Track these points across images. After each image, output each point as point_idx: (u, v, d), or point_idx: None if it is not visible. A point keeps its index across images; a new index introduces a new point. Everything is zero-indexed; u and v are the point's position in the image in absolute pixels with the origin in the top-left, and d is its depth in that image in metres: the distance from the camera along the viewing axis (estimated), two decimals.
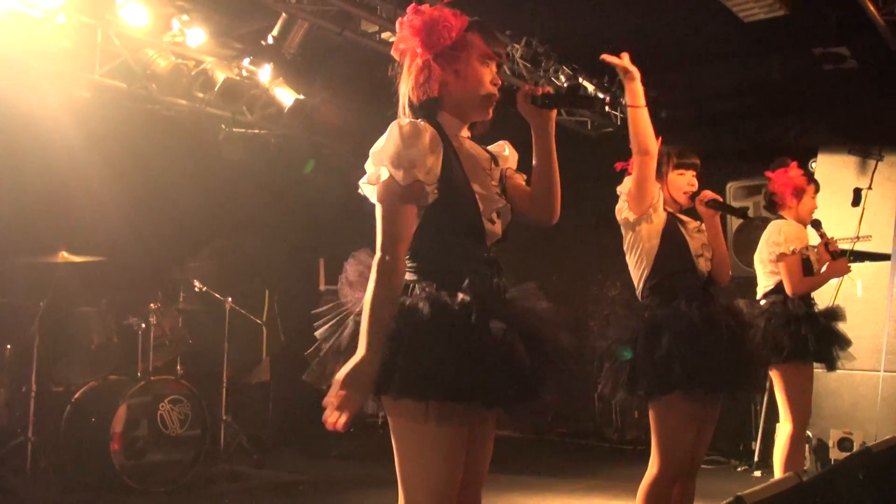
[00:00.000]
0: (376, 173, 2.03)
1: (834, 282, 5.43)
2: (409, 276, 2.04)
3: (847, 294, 5.57)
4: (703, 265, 3.31)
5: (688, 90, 7.39)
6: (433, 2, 2.23)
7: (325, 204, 7.71)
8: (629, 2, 5.90)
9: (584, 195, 5.16)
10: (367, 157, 2.11)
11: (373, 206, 2.04)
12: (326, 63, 6.28)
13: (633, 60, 3.09)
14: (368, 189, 2.06)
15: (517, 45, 6.06)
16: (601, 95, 6.51)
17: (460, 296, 1.96)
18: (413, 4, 2.18)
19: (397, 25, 2.18)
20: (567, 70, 6.36)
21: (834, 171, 6.03)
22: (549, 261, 7.74)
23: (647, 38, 6.43)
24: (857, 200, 5.84)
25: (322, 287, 7.81)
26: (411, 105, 2.15)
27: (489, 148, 2.31)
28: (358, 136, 6.61)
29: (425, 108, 2.14)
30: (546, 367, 2.04)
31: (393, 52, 2.19)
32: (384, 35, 5.57)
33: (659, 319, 3.11)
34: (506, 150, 2.34)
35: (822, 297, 5.35)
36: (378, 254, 1.97)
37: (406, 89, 2.16)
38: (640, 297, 3.29)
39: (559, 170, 2.24)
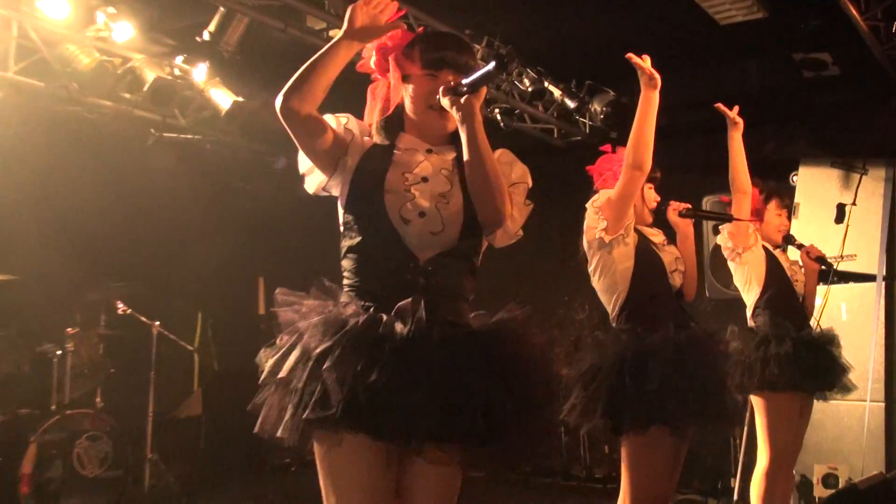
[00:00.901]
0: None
1: (817, 305, 5.49)
2: (344, 296, 2.16)
3: (831, 318, 5.62)
4: (678, 280, 3.36)
5: (661, 98, 7.46)
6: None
7: (266, 218, 7.63)
8: (604, 4, 5.90)
9: (550, 209, 5.12)
10: None
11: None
12: (268, 63, 6.22)
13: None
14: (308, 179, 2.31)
15: (478, 46, 6.04)
16: (570, 103, 6.49)
17: (352, 318, 2.04)
18: None
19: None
20: (532, 73, 6.37)
21: (816, 185, 6.11)
22: (509, 281, 7.74)
23: (616, 40, 6.46)
24: (840, 217, 5.90)
25: (262, 310, 7.70)
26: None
27: None
28: None
29: (384, 128, 2.31)
30: (485, 403, 2.04)
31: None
32: (332, 32, 5.52)
33: (646, 346, 3.09)
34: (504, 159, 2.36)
35: None
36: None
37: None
38: (614, 323, 3.28)
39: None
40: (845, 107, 6.66)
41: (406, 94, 2.29)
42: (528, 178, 2.34)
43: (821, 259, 4.40)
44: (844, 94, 6.66)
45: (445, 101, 2.20)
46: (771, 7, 5.83)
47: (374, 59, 2.31)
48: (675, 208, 3.52)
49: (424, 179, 2.22)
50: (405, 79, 2.27)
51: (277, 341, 2.10)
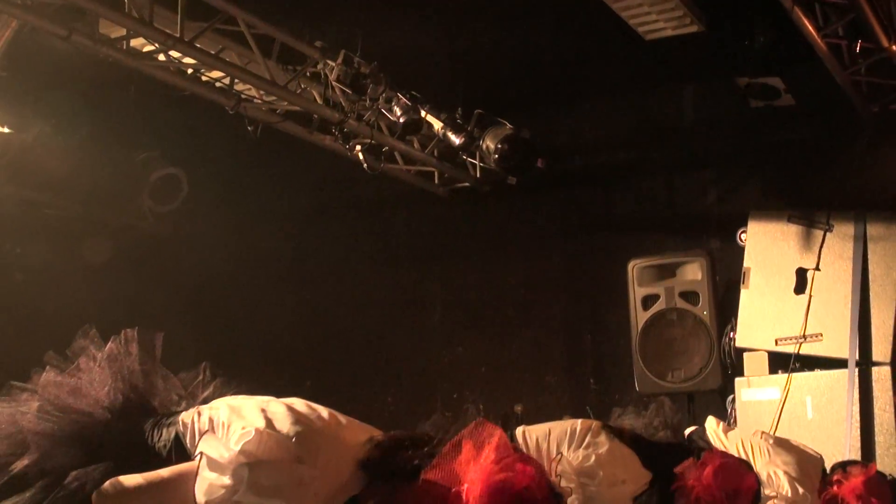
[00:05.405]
0: None
1: (775, 400, 5.65)
2: None
3: (793, 416, 5.75)
4: None
5: (572, 133, 7.61)
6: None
7: (44, 297, 7.39)
8: (495, 9, 6.03)
9: (428, 278, 5.11)
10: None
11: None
12: (45, 82, 6.10)
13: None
14: None
15: (331, 63, 6.08)
16: (454, 138, 6.59)
17: None
18: None
19: None
20: (404, 99, 6.39)
21: (770, 245, 6.27)
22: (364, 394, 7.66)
23: (519, 60, 6.55)
24: (801, 286, 6.06)
25: None
26: None
27: None
28: (89, 190, 6.38)
29: None
30: None
31: None
32: (134, 42, 5.50)
33: None
34: None
35: (762, 422, 5.54)
36: None
37: None
38: None
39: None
40: (803, 146, 6.90)
41: None
42: None
43: None
44: (801, 130, 6.92)
45: None
46: (708, 20, 6.04)
47: None
48: None
49: None
50: None
51: None
